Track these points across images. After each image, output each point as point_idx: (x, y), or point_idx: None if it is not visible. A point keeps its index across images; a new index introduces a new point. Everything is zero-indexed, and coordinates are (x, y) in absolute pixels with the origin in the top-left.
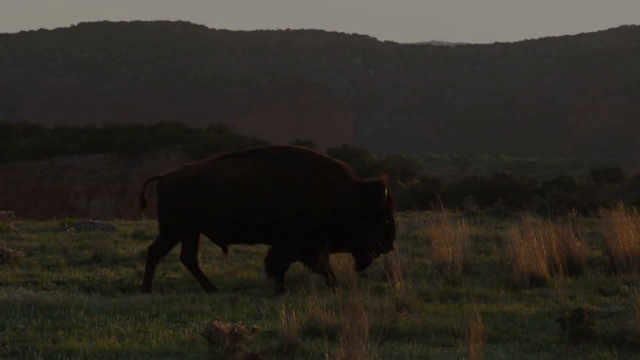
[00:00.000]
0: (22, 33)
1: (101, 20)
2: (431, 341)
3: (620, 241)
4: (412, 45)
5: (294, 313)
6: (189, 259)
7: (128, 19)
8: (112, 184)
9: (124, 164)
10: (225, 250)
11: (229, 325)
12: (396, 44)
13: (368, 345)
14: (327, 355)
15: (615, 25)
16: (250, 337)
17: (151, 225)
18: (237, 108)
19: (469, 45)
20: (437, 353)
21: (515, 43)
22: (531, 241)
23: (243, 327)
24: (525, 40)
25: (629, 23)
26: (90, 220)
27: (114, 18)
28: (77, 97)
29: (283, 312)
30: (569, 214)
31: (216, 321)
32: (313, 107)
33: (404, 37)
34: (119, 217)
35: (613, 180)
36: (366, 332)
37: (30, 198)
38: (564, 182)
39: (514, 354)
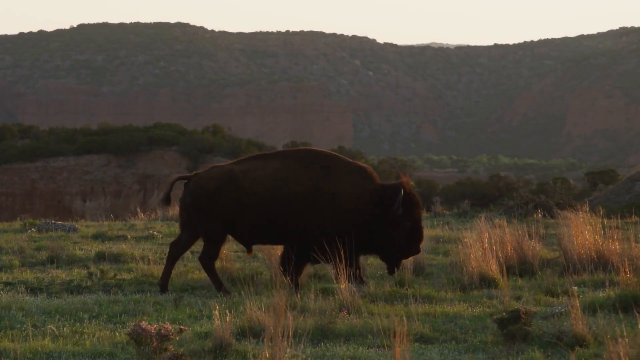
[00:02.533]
0: (21, 34)
1: (100, 21)
2: (367, 342)
3: (575, 242)
4: (412, 47)
5: (228, 314)
6: (211, 259)
7: (127, 20)
8: (107, 185)
9: (118, 165)
10: (250, 250)
11: (156, 326)
12: (395, 45)
13: (302, 346)
14: (251, 355)
15: (615, 27)
16: (177, 338)
17: (113, 226)
18: (236, 109)
19: (468, 47)
20: (370, 354)
21: (514, 45)
22: (484, 242)
23: (170, 327)
24: (525, 42)
25: (628, 25)
26: (53, 222)
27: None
28: (77, 98)
29: (217, 312)
30: (535, 215)
31: (144, 322)
32: (312, 109)
33: (403, 38)
34: (114, 218)
35: (608, 182)
36: (291, 333)
37: (25, 199)
38: (559, 183)
39: (448, 355)
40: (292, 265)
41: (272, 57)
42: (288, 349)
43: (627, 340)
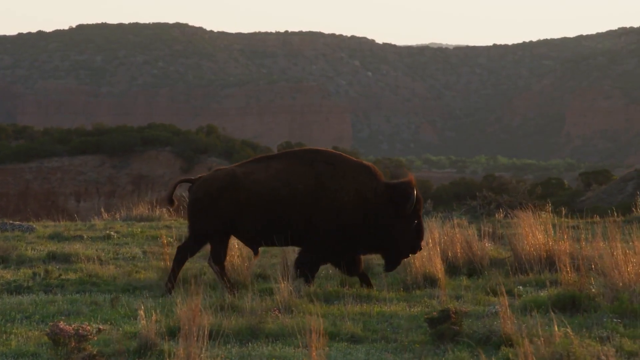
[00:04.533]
0: (20, 35)
1: (99, 22)
2: (294, 342)
3: (526, 242)
4: (411, 47)
5: (154, 314)
6: (218, 262)
7: (126, 21)
8: (101, 186)
9: (112, 165)
10: (256, 252)
11: (74, 326)
12: (394, 45)
13: (229, 345)
14: (166, 355)
15: (614, 27)
16: (95, 338)
17: (71, 227)
18: (235, 109)
19: (467, 47)
20: (297, 353)
21: (513, 45)
22: (429, 242)
23: (89, 328)
24: (524, 42)
25: (627, 25)
26: (11, 222)
27: (113, 20)
28: (76, 99)
29: (142, 312)
30: (497, 215)
31: (62, 322)
32: (311, 109)
33: (402, 39)
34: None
35: (601, 182)
36: (206, 332)
37: (19, 200)
38: (553, 183)
39: (374, 354)
40: (306, 267)
41: (271, 57)
42: (204, 349)
43: (542, 339)
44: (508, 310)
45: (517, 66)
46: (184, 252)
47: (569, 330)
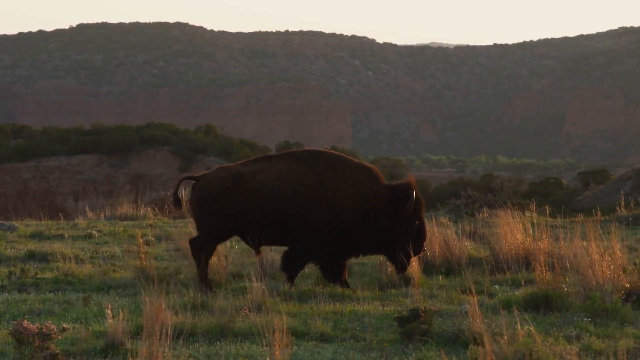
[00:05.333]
0: (20, 34)
1: (100, 21)
2: (263, 341)
3: (504, 242)
4: (411, 47)
5: (121, 313)
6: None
7: (126, 20)
8: (99, 185)
9: (111, 165)
10: (258, 251)
11: (38, 324)
12: (395, 45)
13: (197, 344)
14: (129, 355)
15: (614, 27)
16: (59, 337)
17: (52, 226)
18: (235, 109)
19: (467, 47)
20: (262, 352)
21: (513, 45)
22: None
23: (53, 326)
24: (524, 42)
25: (627, 25)
26: None
27: (113, 20)
28: (76, 99)
29: (109, 312)
30: (481, 214)
31: (26, 321)
32: (311, 109)
33: (402, 38)
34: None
35: (600, 182)
36: (169, 331)
37: (18, 199)
38: (551, 183)
39: (342, 353)
40: (292, 262)
41: (271, 57)
42: (167, 348)
43: (505, 338)
44: (477, 309)
45: (517, 66)
46: (201, 253)
47: (532, 329)
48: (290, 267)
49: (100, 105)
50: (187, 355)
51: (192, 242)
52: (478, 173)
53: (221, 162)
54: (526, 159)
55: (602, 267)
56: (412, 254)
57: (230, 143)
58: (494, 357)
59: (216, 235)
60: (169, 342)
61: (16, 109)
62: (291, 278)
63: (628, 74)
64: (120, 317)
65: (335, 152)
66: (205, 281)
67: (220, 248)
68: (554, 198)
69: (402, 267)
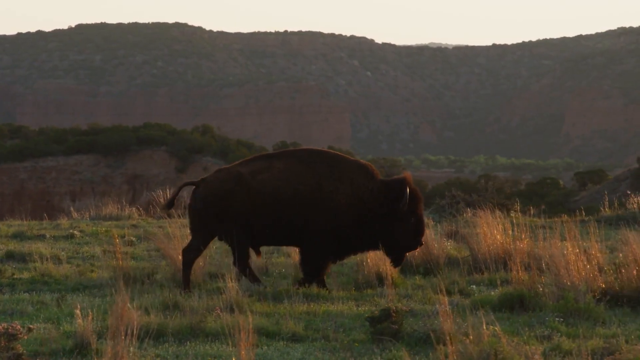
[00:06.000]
0: (19, 35)
1: (99, 22)
2: (234, 340)
3: (484, 242)
4: (410, 47)
5: (90, 313)
6: (194, 256)
7: (125, 20)
8: (96, 185)
9: (107, 165)
10: (258, 252)
11: (4, 325)
12: (394, 45)
13: (167, 344)
14: (93, 354)
15: (613, 27)
16: (25, 337)
17: (34, 226)
18: (234, 109)
19: (466, 47)
20: (233, 352)
21: (513, 45)
22: None
23: (19, 327)
24: (523, 42)
25: (626, 25)
26: None
27: (112, 20)
28: (75, 99)
29: (78, 312)
30: (464, 214)
31: None
32: (310, 109)
33: (401, 38)
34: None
35: (597, 182)
36: (135, 331)
37: (14, 199)
38: (548, 183)
39: (311, 354)
40: (308, 265)
41: (270, 57)
42: (132, 347)
43: (471, 338)
44: (448, 309)
45: (517, 66)
46: (189, 255)
47: (497, 329)
48: (312, 271)
49: (100, 105)
50: (154, 355)
51: (185, 251)
52: (477, 173)
53: (218, 162)
54: (525, 159)
55: (577, 267)
56: (409, 249)
57: (227, 143)
58: (455, 357)
59: (210, 237)
60: (134, 342)
61: (15, 109)
62: (321, 282)
63: (627, 74)
64: (90, 317)
65: (332, 151)
66: (186, 287)
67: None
68: (550, 198)
69: (397, 262)
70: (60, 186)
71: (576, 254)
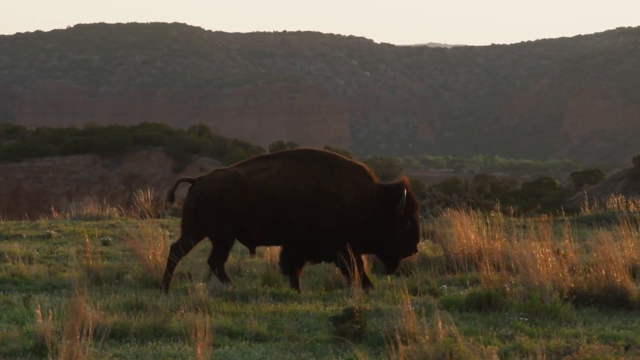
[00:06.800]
0: (18, 35)
1: (98, 22)
2: (188, 341)
3: (458, 242)
4: (409, 47)
5: (51, 313)
6: (181, 254)
7: (124, 20)
8: (92, 185)
9: (104, 165)
10: (253, 251)
11: None
12: (393, 45)
13: (129, 344)
14: (49, 354)
15: (612, 27)
16: None
17: (9, 226)
18: (233, 109)
19: (465, 47)
20: (192, 352)
21: (511, 45)
22: None
23: None
24: (522, 42)
25: (625, 25)
26: None
27: (111, 20)
28: (74, 99)
29: (38, 312)
30: (443, 214)
31: None
32: (309, 109)
33: (400, 39)
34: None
35: (593, 182)
36: (91, 331)
37: (11, 199)
38: (544, 183)
39: (272, 353)
40: (293, 263)
41: (269, 57)
42: (87, 347)
43: (427, 337)
44: (411, 309)
45: (516, 66)
46: (177, 251)
47: (453, 329)
48: (291, 269)
49: (99, 105)
50: (112, 355)
51: (174, 247)
52: (475, 173)
53: (215, 162)
54: (524, 159)
55: (546, 267)
56: (404, 254)
57: (224, 143)
58: (406, 357)
59: (219, 237)
60: (89, 342)
61: (14, 109)
62: (294, 281)
63: (626, 74)
64: (50, 317)
65: (330, 152)
66: (166, 285)
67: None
68: (546, 198)
69: (391, 267)
70: (57, 186)
71: (545, 254)
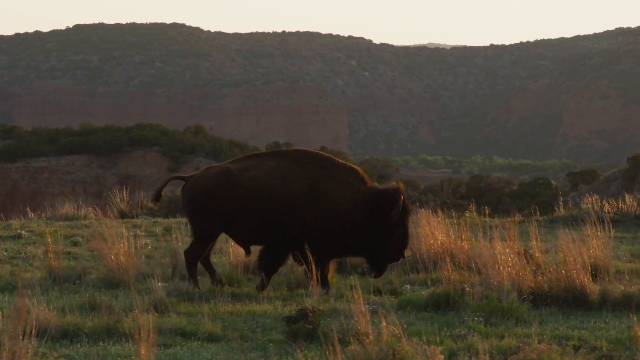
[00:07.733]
0: (17, 35)
1: (96, 22)
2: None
3: (425, 242)
4: (408, 48)
5: (0, 313)
6: (204, 257)
7: (123, 21)
8: (88, 186)
9: (100, 165)
10: (247, 251)
11: None
12: (392, 46)
13: (79, 345)
14: (3, 356)
15: (611, 27)
16: None
17: None
18: (232, 110)
19: (464, 48)
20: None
21: (510, 45)
22: None
23: None
24: (521, 43)
25: (624, 25)
26: None
27: (109, 20)
28: (73, 99)
29: None
30: (417, 214)
31: None
32: (308, 109)
33: (399, 39)
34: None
35: (588, 182)
36: (34, 332)
37: (6, 199)
38: (540, 183)
39: (221, 354)
40: (275, 262)
41: (268, 57)
42: (30, 348)
43: (371, 337)
44: (363, 309)
45: (514, 66)
46: (193, 255)
47: (396, 329)
48: (269, 266)
49: (97, 106)
50: (57, 355)
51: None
52: (474, 174)
53: (210, 163)
54: (522, 160)
55: (507, 267)
56: (392, 260)
57: (220, 143)
58: (350, 357)
59: (203, 233)
60: (33, 342)
61: (13, 109)
62: (269, 278)
63: (625, 75)
64: None
65: (324, 153)
66: (194, 279)
67: (133, 248)
68: (541, 199)
69: (379, 272)
70: (53, 186)
71: (506, 254)
